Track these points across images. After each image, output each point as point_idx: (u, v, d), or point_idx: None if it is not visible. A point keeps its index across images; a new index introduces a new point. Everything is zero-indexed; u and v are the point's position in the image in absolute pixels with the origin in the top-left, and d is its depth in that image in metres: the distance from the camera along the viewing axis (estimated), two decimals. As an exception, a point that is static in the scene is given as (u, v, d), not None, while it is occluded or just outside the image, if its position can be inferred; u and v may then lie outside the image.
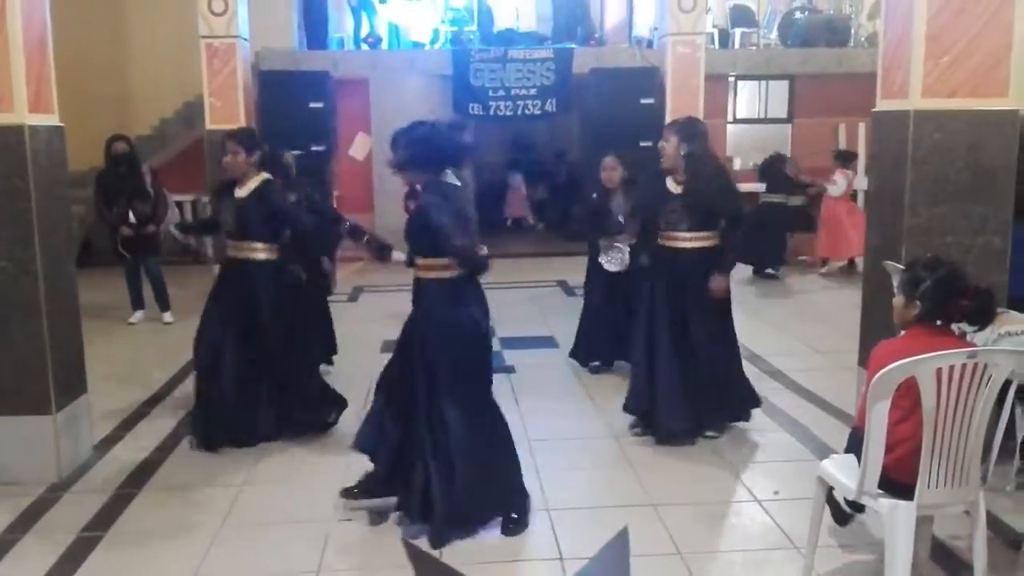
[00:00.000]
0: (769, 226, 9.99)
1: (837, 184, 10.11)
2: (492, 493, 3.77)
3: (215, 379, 4.74)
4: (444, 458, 3.64)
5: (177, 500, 4.17)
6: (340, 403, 5.03)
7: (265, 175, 4.81)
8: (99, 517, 3.96)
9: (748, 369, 6.13)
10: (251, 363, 4.75)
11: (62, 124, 4.48)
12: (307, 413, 4.90)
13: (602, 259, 5.92)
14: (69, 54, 6.01)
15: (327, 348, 6.17)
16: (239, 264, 4.79)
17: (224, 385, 4.71)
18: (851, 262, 10.34)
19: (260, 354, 4.74)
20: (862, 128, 11.74)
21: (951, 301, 2.91)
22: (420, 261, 3.74)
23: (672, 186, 4.72)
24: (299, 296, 5.06)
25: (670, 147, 4.63)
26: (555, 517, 3.90)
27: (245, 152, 4.73)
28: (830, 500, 3.42)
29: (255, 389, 4.77)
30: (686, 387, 4.67)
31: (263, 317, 4.73)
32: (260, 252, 4.75)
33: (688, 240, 4.68)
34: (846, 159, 10.40)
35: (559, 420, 5.10)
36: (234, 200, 4.77)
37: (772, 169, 10.47)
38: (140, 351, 7.14)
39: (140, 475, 4.45)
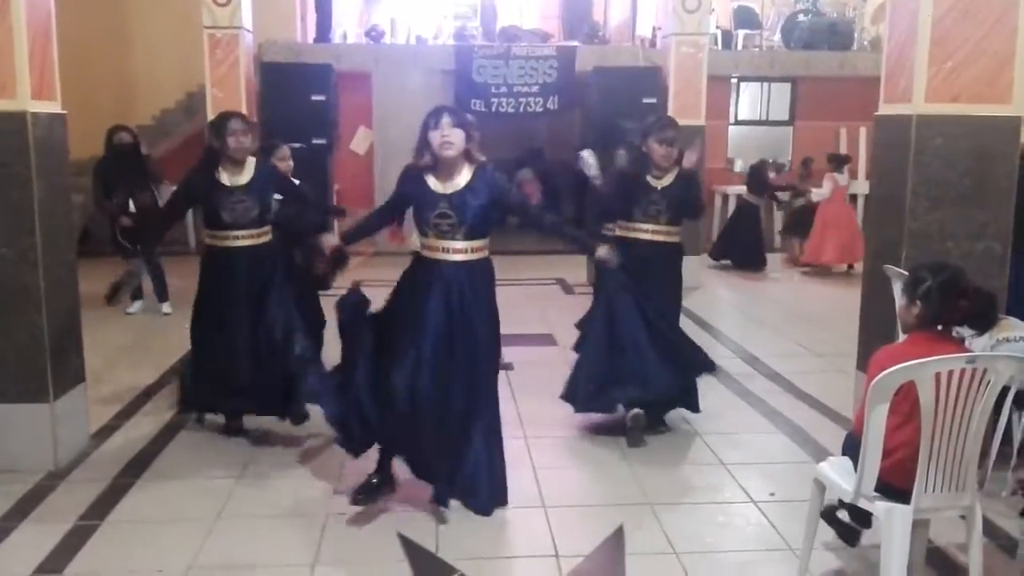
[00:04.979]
0: (742, 224, 10.77)
1: (821, 189, 10.34)
2: None
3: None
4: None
5: (174, 489, 4.18)
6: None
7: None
8: (96, 505, 3.97)
9: (743, 369, 6.18)
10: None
11: (64, 112, 4.47)
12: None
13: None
14: (71, 42, 5.97)
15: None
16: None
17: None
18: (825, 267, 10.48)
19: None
20: (863, 132, 11.76)
21: (953, 303, 2.91)
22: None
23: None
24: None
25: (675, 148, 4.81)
26: (551, 514, 3.90)
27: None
28: (833, 520, 3.42)
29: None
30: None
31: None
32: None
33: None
34: (839, 163, 10.58)
35: (556, 418, 5.10)
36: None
37: (755, 174, 10.96)
38: (138, 341, 7.13)
39: (137, 464, 4.45)
